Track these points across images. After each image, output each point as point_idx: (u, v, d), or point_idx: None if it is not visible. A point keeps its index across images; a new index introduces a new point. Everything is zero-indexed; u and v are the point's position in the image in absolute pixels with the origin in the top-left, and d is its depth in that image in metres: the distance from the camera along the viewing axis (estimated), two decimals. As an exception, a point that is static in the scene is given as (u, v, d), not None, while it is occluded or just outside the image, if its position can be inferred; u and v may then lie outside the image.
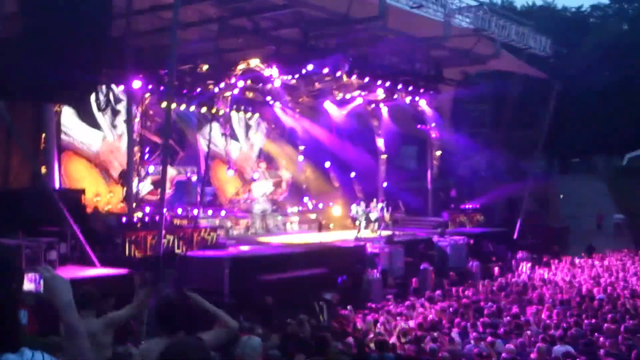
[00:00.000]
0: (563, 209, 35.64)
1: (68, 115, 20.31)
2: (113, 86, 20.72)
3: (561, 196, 36.87)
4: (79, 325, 2.93)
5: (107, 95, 19.90)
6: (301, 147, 29.79)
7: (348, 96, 27.20)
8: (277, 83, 23.10)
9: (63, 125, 20.06)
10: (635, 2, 54.69)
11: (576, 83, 37.89)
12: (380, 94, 26.87)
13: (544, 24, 39.48)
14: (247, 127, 28.63)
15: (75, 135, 20.83)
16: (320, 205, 28.50)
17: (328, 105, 28.20)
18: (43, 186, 16.65)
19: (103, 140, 21.80)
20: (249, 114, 28.13)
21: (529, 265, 23.20)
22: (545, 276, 20.71)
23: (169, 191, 21.17)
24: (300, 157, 29.86)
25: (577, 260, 24.12)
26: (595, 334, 12.20)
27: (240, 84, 22.34)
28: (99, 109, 19.31)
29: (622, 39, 48.17)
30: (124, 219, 17.86)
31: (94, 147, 21.53)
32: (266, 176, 28.38)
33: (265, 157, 29.15)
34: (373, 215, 25.43)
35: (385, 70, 24.84)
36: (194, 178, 24.01)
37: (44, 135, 18.24)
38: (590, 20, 56.82)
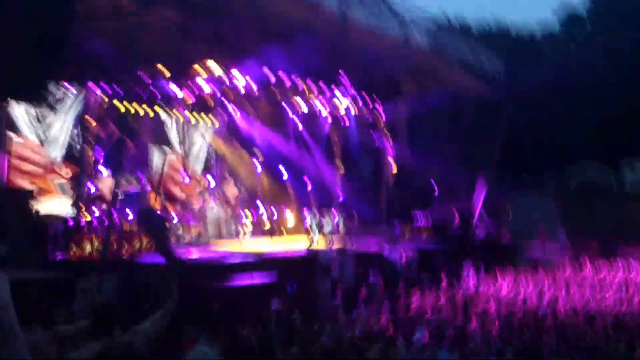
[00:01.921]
0: (512, 224, 36.28)
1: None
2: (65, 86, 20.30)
3: (510, 212, 37.54)
4: (16, 325, 2.79)
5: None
6: (258, 154, 29.71)
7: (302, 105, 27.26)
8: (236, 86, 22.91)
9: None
10: (584, 27, 56.71)
11: (528, 104, 38.89)
12: (338, 104, 27.03)
13: (497, 46, 40.61)
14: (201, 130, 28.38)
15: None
16: (275, 214, 28.44)
17: (290, 114, 28.28)
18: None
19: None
20: (207, 118, 27.89)
21: (476, 278, 23.53)
22: (492, 289, 21.05)
23: (122, 196, 20.82)
24: (258, 165, 29.77)
25: (522, 275, 24.54)
26: (537, 347, 12.43)
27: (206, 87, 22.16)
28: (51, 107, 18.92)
29: (572, 63, 49.83)
30: (70, 222, 17.51)
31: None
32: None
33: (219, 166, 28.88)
34: (327, 226, 25.50)
35: (343, 81, 25.05)
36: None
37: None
38: (541, 46, 58.76)
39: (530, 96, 41.35)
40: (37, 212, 18.93)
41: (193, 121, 27.29)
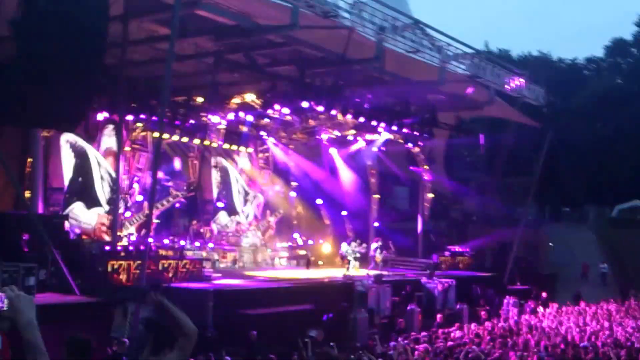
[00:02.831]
0: (552, 256, 35.59)
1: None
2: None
3: (551, 244, 36.86)
4: (42, 345, 2.95)
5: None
6: (294, 183, 29.78)
7: (338, 134, 27.29)
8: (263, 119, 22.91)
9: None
10: (628, 57, 55.58)
11: (569, 133, 38.25)
12: (374, 134, 27.03)
13: (539, 74, 40.09)
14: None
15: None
16: (310, 242, 28.39)
17: (326, 144, 28.40)
18: (26, 211, 16.51)
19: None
20: (242, 148, 28.01)
21: (516, 310, 23.04)
22: (532, 322, 20.54)
23: (156, 221, 21.02)
24: (293, 193, 29.83)
25: (564, 308, 23.97)
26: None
27: (231, 116, 22.37)
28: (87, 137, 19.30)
29: (614, 92, 48.83)
30: (107, 247, 17.69)
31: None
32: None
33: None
34: (363, 255, 25.32)
35: (380, 111, 24.96)
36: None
37: (29, 160, 18.16)
38: (585, 72, 57.68)
39: (572, 125, 40.73)
40: (75, 236, 19.24)
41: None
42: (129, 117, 19.44)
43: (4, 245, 15.39)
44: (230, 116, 22.26)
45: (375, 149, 29.91)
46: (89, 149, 21.15)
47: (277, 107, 22.17)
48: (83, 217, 20.77)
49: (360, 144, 29.16)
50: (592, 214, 44.77)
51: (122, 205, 19.61)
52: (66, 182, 20.57)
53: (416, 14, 25.05)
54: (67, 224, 18.11)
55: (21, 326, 2.94)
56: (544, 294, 26.81)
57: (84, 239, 19.30)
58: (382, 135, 27.12)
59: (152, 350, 4.88)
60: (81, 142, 20.68)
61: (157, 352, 4.74)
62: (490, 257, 31.20)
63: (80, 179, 20.97)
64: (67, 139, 20.29)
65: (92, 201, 21.17)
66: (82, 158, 20.90)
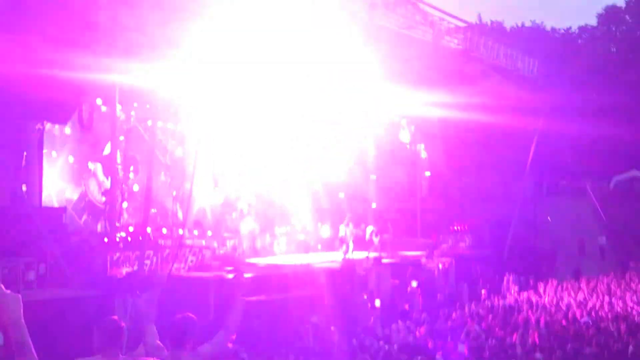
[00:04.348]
0: (551, 231, 35.66)
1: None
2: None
3: (549, 218, 36.91)
4: (29, 343, 2.94)
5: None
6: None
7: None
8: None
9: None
10: (622, 24, 55.15)
11: (564, 104, 38.06)
12: (370, 112, 26.87)
13: (532, 45, 39.79)
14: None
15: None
16: (309, 226, 28.31)
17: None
18: (23, 204, 16.44)
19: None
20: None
21: (517, 287, 23.14)
22: (532, 299, 20.63)
23: (154, 210, 20.92)
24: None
25: (563, 284, 24.07)
26: (579, 357, 12.11)
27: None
28: (82, 127, 19.09)
29: (609, 61, 48.60)
30: (105, 239, 17.63)
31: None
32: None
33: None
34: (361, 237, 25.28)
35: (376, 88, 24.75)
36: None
37: (25, 153, 18.05)
38: (579, 41, 57.34)
39: (567, 96, 40.53)
40: (74, 229, 19.16)
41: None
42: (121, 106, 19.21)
43: (3, 240, 15.34)
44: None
45: (373, 129, 29.72)
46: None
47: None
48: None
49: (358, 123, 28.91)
50: (590, 186, 44.78)
51: (119, 195, 19.49)
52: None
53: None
54: (64, 217, 18.05)
55: (8, 325, 2.91)
56: (543, 270, 26.94)
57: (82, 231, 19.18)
58: (377, 113, 26.89)
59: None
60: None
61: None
62: (489, 235, 31.22)
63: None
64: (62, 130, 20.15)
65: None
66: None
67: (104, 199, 19.23)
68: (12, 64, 13.49)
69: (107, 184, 19.62)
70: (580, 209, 38.51)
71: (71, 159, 20.17)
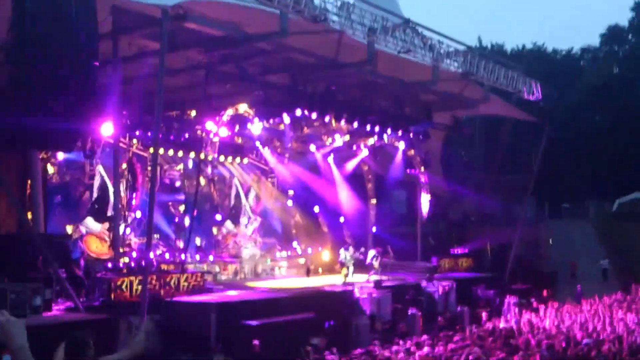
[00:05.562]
0: (553, 253, 35.65)
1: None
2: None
3: (550, 241, 36.91)
4: None
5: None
6: (290, 192, 29.80)
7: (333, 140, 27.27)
8: (256, 129, 23.01)
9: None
10: (625, 44, 55.13)
11: (567, 127, 38.08)
12: (369, 139, 27.09)
13: (534, 67, 39.85)
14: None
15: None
16: (309, 250, 28.43)
17: (315, 150, 28.44)
18: (29, 232, 16.62)
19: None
20: (237, 159, 27.94)
21: (518, 310, 23.11)
22: (533, 321, 20.61)
23: (156, 236, 21.11)
24: (289, 202, 29.85)
25: (565, 306, 24.04)
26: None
27: (222, 131, 22.28)
28: (85, 156, 19.36)
29: (612, 81, 48.30)
30: (109, 264, 17.79)
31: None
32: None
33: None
34: (362, 260, 25.37)
35: (374, 114, 24.98)
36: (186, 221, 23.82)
37: (29, 181, 18.27)
38: (581, 63, 57.11)
39: (570, 118, 40.49)
40: (79, 255, 19.34)
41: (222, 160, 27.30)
42: (125, 134, 19.52)
43: (11, 267, 15.55)
44: (224, 130, 22.19)
45: (372, 152, 29.87)
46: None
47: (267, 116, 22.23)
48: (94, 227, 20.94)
49: (355, 148, 29.16)
50: (593, 209, 44.69)
51: (122, 222, 19.71)
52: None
53: (406, 13, 25.10)
54: (70, 244, 18.24)
55: (14, 351, 2.98)
56: (544, 292, 26.92)
57: (87, 257, 19.36)
58: (375, 137, 27.07)
59: None
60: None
61: None
62: (490, 257, 31.24)
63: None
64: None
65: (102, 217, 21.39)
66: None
67: (107, 225, 19.44)
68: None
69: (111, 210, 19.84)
70: (582, 231, 38.50)
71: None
